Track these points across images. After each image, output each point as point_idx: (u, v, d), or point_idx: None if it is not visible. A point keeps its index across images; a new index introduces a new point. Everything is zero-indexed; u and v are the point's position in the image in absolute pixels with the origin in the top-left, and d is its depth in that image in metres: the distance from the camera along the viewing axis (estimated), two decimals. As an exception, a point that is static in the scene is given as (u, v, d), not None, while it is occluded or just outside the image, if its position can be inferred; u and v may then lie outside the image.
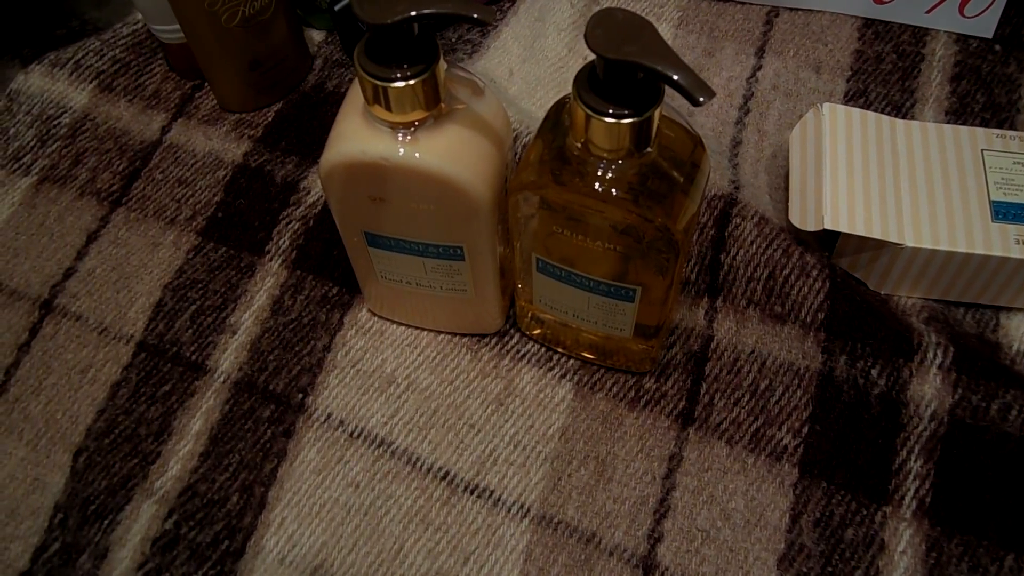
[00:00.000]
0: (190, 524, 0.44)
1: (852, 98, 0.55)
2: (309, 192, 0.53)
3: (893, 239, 0.45)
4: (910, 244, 0.44)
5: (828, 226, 0.45)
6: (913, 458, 0.43)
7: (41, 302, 0.51)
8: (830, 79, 0.56)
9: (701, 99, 0.30)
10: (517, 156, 0.50)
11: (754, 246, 0.47)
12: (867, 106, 0.54)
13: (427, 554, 0.42)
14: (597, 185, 0.35)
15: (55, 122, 0.57)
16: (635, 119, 0.33)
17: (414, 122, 0.36)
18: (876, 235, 0.45)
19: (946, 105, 0.55)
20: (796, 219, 0.47)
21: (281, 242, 0.52)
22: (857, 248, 0.47)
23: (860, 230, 0.45)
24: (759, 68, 0.57)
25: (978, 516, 0.42)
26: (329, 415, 0.46)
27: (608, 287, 0.40)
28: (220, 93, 0.57)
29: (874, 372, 0.44)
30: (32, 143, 0.57)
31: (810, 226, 0.46)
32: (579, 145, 0.35)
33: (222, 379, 0.47)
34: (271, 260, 0.51)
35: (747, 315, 0.47)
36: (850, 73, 0.56)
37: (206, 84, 0.58)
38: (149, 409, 0.47)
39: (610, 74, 0.33)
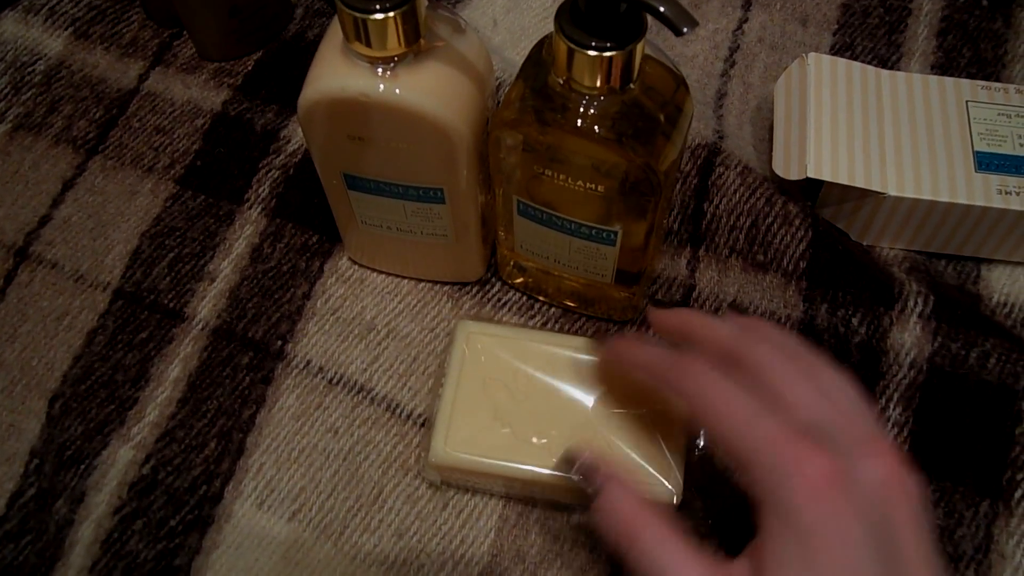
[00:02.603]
0: (168, 469, 0.43)
1: (838, 51, 0.55)
2: (289, 141, 0.53)
3: (876, 188, 0.44)
4: (892, 193, 0.44)
5: (811, 174, 0.45)
6: (892, 405, 0.43)
7: (16, 249, 0.50)
8: (816, 32, 0.56)
9: (684, 29, 0.30)
10: (498, 103, 0.50)
11: (737, 195, 0.47)
12: (853, 60, 0.54)
13: (406, 499, 0.42)
14: (579, 122, 0.35)
15: (29, 69, 0.56)
16: (617, 52, 0.32)
17: (394, 57, 0.36)
18: (859, 184, 0.45)
19: (932, 60, 0.54)
20: (779, 168, 0.47)
21: (261, 190, 0.51)
22: (840, 198, 0.46)
23: (843, 179, 0.45)
24: (745, 21, 0.56)
25: (955, 462, 0.42)
26: (308, 362, 0.46)
27: (589, 230, 0.40)
28: (199, 41, 0.56)
29: (855, 320, 0.44)
30: (6, 90, 0.55)
31: (793, 175, 0.46)
32: (561, 82, 0.35)
33: (200, 326, 0.47)
34: (250, 208, 0.50)
35: (729, 264, 0.47)
36: (836, 27, 0.56)
37: (184, 32, 0.57)
38: (126, 356, 0.46)
39: (592, 6, 0.32)
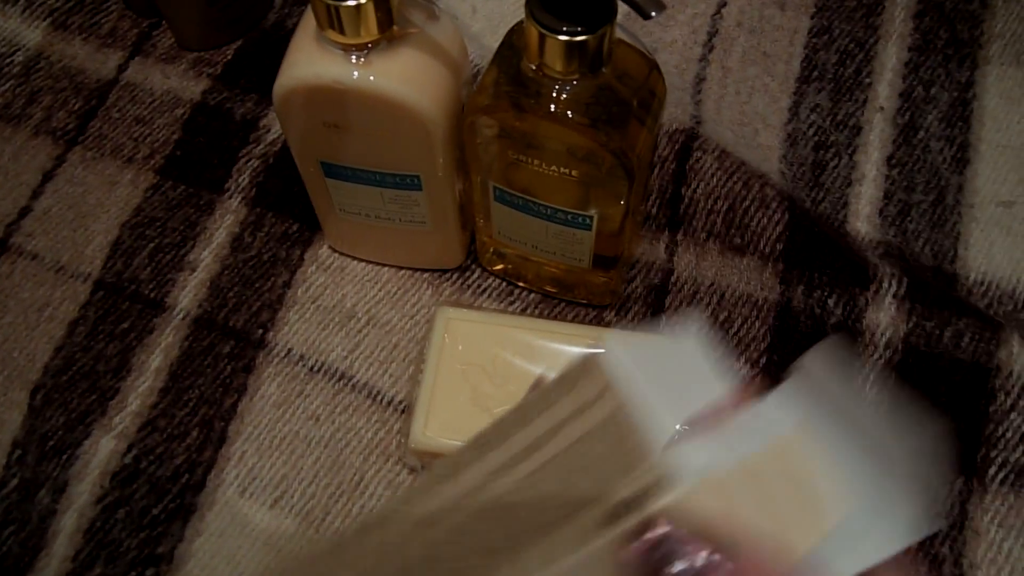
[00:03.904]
0: (150, 459, 0.43)
1: (816, 35, 0.55)
2: (269, 130, 0.53)
3: None
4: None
5: None
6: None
7: (-4, 241, 0.50)
8: (794, 16, 0.56)
9: (652, 13, 0.30)
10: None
11: (715, 179, 0.47)
12: (831, 43, 0.54)
13: (387, 485, 0.43)
14: (552, 107, 0.35)
15: (8, 60, 0.56)
16: (588, 36, 0.32)
17: (367, 44, 0.36)
18: None
19: (909, 42, 0.54)
20: None
21: (241, 180, 0.51)
22: None
23: None
24: (724, 5, 0.56)
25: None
26: (289, 350, 0.46)
27: (565, 215, 0.40)
28: (178, 31, 0.56)
29: (831, 301, 0.45)
30: (-15, 82, 0.55)
31: None
32: (533, 67, 0.35)
33: (181, 316, 0.47)
34: (230, 198, 0.51)
35: (707, 248, 0.47)
36: (815, 10, 0.56)
37: (163, 22, 0.57)
38: (107, 346, 0.47)
39: (562, -9, 0.32)
